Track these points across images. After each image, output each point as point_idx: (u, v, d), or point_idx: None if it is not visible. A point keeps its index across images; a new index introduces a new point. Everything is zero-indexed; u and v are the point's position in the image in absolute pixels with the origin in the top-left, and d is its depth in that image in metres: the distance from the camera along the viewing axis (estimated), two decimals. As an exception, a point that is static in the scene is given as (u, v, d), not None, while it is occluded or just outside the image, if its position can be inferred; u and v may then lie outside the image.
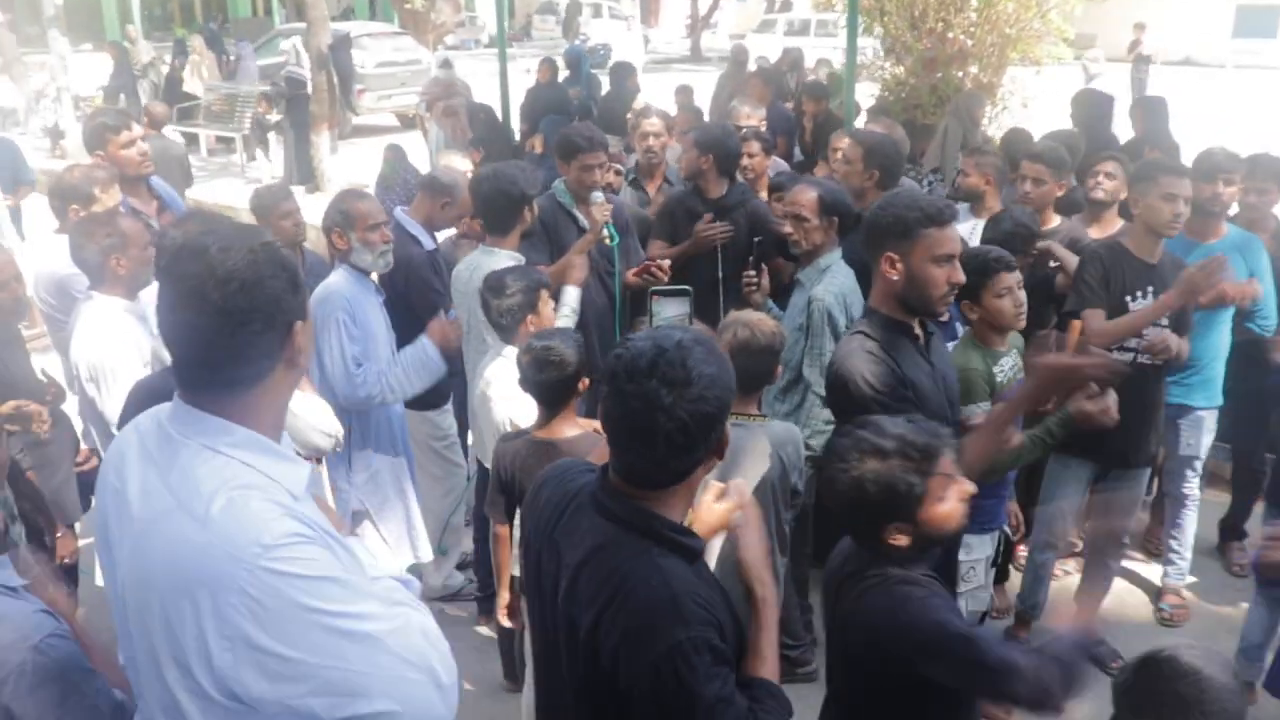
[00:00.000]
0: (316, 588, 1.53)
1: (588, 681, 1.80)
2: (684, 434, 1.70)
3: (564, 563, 1.83)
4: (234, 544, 1.51)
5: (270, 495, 1.59)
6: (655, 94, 11.87)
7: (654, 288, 4.63)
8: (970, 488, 2.17)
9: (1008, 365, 3.54)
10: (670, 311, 4.53)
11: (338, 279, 3.94)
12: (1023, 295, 3.53)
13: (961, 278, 2.88)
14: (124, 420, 3.03)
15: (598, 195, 4.62)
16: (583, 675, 1.81)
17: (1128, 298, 3.96)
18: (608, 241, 4.64)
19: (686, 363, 1.70)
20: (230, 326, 1.57)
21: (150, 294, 3.74)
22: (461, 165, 6.00)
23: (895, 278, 2.86)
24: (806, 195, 3.91)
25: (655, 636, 1.68)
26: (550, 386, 3.16)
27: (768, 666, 1.86)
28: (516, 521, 3.27)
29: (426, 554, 4.30)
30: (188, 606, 1.52)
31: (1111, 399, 2.79)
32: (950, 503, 2.13)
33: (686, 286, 4.63)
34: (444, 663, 1.64)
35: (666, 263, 4.63)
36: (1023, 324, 3.57)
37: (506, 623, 3.54)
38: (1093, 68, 19.22)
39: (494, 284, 3.60)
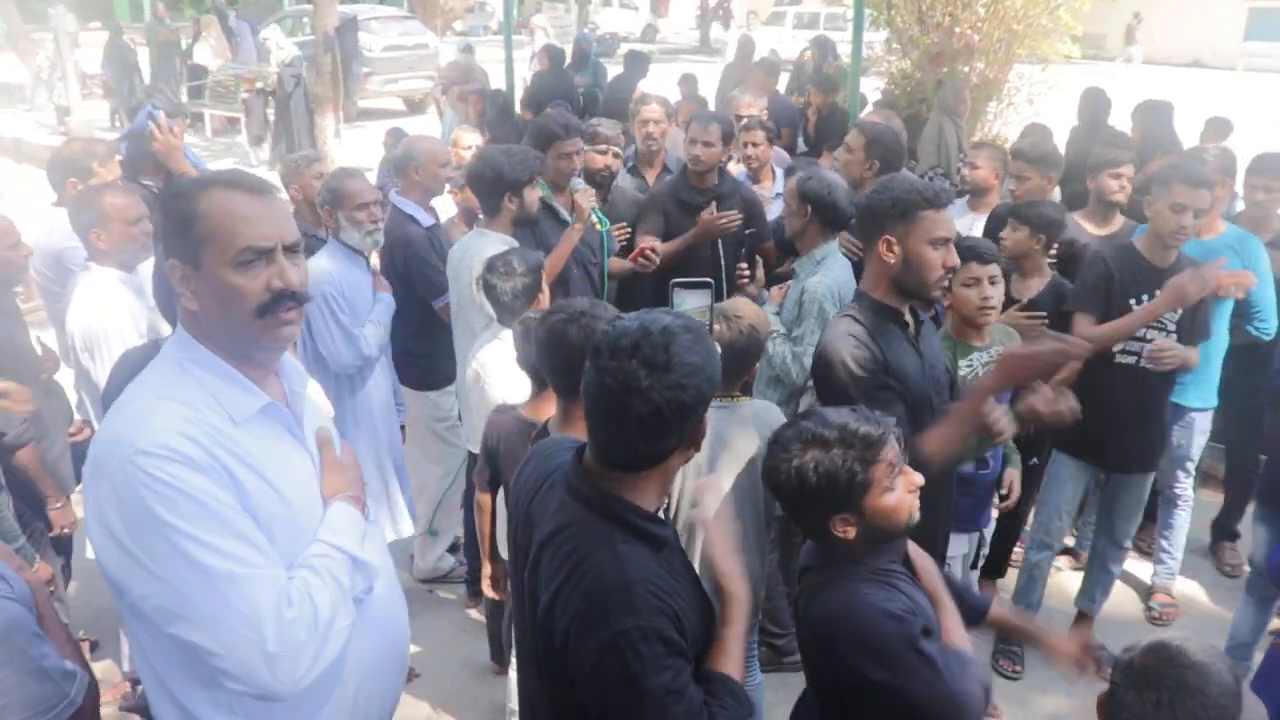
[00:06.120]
0: (172, 502, 1.65)
1: (546, 658, 1.80)
2: (657, 419, 1.67)
3: (534, 539, 1.83)
4: (119, 437, 1.71)
5: (188, 411, 1.74)
6: (662, 84, 11.84)
7: (675, 279, 4.61)
8: (918, 479, 2.11)
9: (979, 361, 3.52)
10: (691, 303, 4.49)
11: (323, 258, 4.05)
12: (994, 292, 3.51)
13: (956, 261, 2.86)
14: (111, 390, 2.98)
15: (578, 182, 4.57)
16: (541, 652, 1.80)
17: (1131, 300, 3.87)
18: (597, 227, 4.61)
19: (670, 348, 1.67)
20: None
21: (148, 267, 3.74)
22: (470, 139, 6.06)
23: (892, 260, 2.84)
24: (794, 181, 3.96)
25: (601, 622, 1.66)
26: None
27: (733, 663, 1.82)
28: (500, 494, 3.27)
29: (407, 529, 4.31)
30: (89, 482, 1.75)
31: (1067, 399, 2.66)
32: (898, 493, 2.06)
33: (708, 279, 4.58)
34: (281, 634, 1.67)
35: (656, 243, 4.58)
36: (986, 320, 3.54)
37: (491, 593, 3.52)
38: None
39: (501, 266, 3.55)
